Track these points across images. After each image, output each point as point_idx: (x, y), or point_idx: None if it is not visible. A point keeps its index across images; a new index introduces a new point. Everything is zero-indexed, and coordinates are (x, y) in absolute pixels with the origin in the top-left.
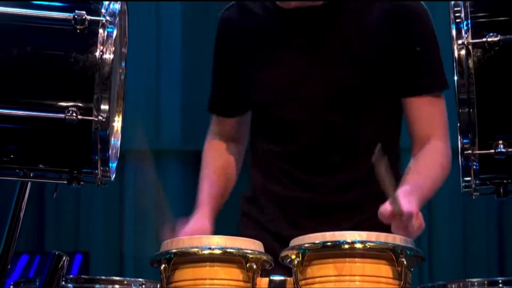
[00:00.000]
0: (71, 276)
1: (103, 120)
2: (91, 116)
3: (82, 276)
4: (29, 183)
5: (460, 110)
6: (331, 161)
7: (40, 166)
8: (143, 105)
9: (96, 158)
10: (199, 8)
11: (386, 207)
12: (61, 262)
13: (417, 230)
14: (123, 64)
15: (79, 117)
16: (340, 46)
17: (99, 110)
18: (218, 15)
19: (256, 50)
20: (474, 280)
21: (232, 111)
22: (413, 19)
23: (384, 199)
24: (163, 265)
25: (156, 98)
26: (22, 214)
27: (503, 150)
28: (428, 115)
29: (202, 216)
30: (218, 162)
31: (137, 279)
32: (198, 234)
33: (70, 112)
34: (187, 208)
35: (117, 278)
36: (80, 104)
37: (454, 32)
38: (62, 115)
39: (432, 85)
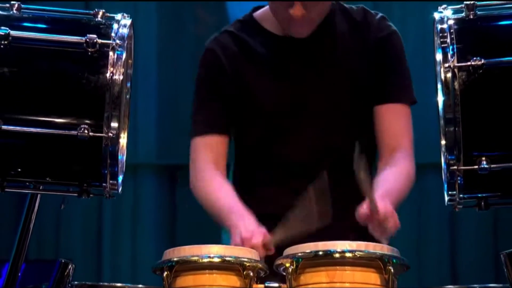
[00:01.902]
0: (75, 283)
1: (113, 136)
2: (102, 133)
3: (86, 282)
4: (39, 196)
5: (447, 129)
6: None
7: (53, 179)
8: None
9: (106, 172)
10: (175, 23)
11: (364, 209)
12: (67, 270)
13: (392, 229)
14: (128, 84)
15: (91, 134)
16: (333, 65)
17: (109, 127)
18: (206, 43)
19: (252, 70)
20: None
21: (225, 128)
22: (390, 40)
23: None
24: (166, 273)
25: (133, 113)
26: (32, 225)
27: (486, 166)
28: (396, 124)
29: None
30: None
31: (137, 286)
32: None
33: (82, 129)
34: (162, 221)
35: (119, 284)
36: (91, 122)
37: (440, 56)
38: (74, 132)
39: (402, 96)
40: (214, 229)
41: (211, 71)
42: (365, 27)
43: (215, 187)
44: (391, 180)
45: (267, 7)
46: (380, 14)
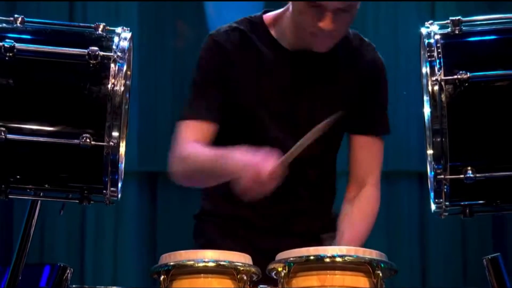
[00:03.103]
0: (74, 286)
1: (114, 145)
2: (103, 141)
3: (84, 286)
4: (39, 202)
5: (434, 139)
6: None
7: (55, 186)
8: None
9: (106, 179)
10: (156, 35)
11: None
12: (66, 274)
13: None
14: (127, 95)
15: (92, 142)
16: (333, 83)
17: (110, 136)
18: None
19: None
20: None
21: (217, 117)
22: (379, 74)
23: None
24: (162, 276)
25: None
26: (32, 231)
27: (471, 175)
28: (370, 157)
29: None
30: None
31: None
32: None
33: (84, 138)
34: (143, 227)
35: (115, 287)
36: (93, 131)
37: (428, 70)
38: (77, 141)
39: (380, 130)
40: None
41: (215, 60)
42: (360, 54)
43: (196, 146)
44: (356, 224)
45: (276, 13)
46: (372, 45)
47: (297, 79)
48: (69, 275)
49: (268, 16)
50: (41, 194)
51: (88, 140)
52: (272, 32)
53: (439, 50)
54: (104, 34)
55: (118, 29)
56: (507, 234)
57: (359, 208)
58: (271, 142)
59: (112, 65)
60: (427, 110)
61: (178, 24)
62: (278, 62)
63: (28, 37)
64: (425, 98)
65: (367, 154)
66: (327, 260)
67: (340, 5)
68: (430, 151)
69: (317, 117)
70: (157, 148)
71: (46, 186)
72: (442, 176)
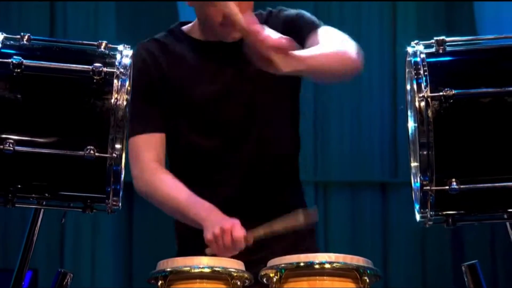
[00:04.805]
0: None
1: (117, 157)
2: (107, 153)
3: None
4: (42, 210)
5: (420, 152)
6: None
7: (59, 196)
8: None
9: (109, 189)
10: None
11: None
12: (66, 280)
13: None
14: (127, 109)
15: (96, 154)
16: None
17: (113, 148)
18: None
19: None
20: None
21: (161, 127)
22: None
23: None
24: (160, 282)
25: None
26: (35, 238)
27: (455, 187)
28: (326, 37)
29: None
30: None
31: None
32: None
33: (88, 150)
34: (119, 233)
35: None
36: (97, 143)
37: (415, 87)
38: (81, 153)
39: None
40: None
41: (141, 75)
42: (276, 18)
43: (167, 183)
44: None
45: (193, 22)
46: (281, 10)
47: (220, 66)
48: (69, 280)
49: (186, 26)
50: (44, 203)
51: (92, 152)
52: (193, 35)
53: (425, 68)
54: (107, 51)
55: (120, 47)
56: (465, 243)
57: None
58: (229, 125)
59: (115, 80)
60: (411, 124)
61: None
62: (198, 55)
63: (35, 54)
64: (410, 113)
65: (324, 38)
66: (317, 266)
67: None
68: (414, 164)
69: (247, 93)
70: None
71: (51, 195)
72: (428, 187)
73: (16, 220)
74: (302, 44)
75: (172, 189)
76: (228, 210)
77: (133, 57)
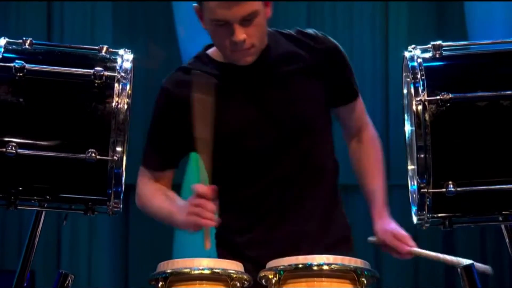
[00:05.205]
0: None
1: (118, 160)
2: (108, 156)
3: None
4: (44, 212)
5: (418, 155)
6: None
7: (61, 198)
8: None
9: (110, 192)
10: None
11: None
12: (67, 281)
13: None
14: (128, 112)
15: (98, 157)
16: (276, 87)
17: (114, 151)
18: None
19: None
20: None
21: (175, 163)
22: (335, 54)
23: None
24: (160, 283)
25: None
26: (37, 241)
27: (452, 189)
28: (357, 114)
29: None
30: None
31: None
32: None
33: (90, 153)
34: (115, 235)
35: None
36: (98, 146)
37: (412, 91)
38: (83, 156)
39: (353, 95)
40: (165, 244)
41: (165, 111)
42: (306, 43)
43: (155, 195)
44: (375, 173)
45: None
46: (315, 31)
47: (243, 89)
48: (70, 282)
49: (211, 49)
50: (46, 205)
51: (93, 154)
52: (218, 58)
53: (422, 73)
54: (108, 55)
55: (121, 51)
56: (456, 244)
57: (366, 154)
58: (254, 153)
59: (116, 84)
60: (408, 128)
61: (149, 45)
62: (223, 78)
63: (37, 58)
64: (406, 116)
65: (355, 114)
66: (315, 268)
67: (242, 13)
68: (411, 166)
69: (271, 121)
70: (129, 161)
71: (53, 197)
72: (426, 190)
73: (13, 221)
74: (335, 101)
75: (156, 196)
76: (270, 221)
77: (159, 92)
